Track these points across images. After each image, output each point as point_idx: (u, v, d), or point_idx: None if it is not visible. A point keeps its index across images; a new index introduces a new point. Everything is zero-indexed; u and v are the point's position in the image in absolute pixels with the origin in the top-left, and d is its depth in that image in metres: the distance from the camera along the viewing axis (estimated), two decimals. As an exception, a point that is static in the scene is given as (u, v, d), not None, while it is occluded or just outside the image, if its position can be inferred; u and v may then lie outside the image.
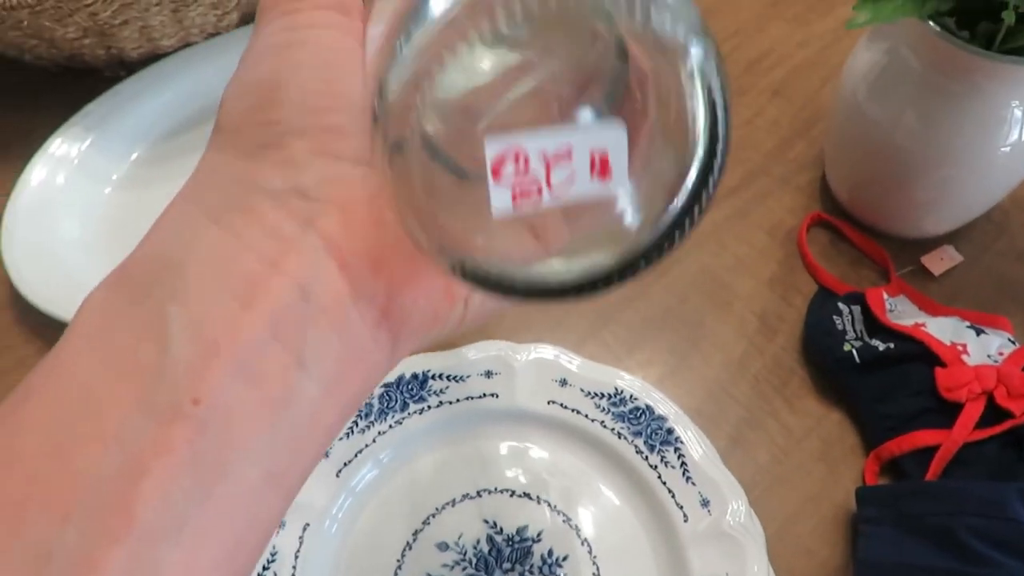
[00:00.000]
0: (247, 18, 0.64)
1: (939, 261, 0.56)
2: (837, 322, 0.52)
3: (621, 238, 0.22)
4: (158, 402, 0.18)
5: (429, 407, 0.48)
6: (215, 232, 0.19)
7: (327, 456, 0.45)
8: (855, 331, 0.51)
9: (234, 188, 0.20)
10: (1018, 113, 0.46)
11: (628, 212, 0.22)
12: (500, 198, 0.20)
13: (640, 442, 0.46)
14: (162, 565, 0.17)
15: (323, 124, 0.21)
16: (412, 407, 0.47)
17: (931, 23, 0.44)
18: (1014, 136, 0.47)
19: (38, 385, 0.19)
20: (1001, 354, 0.49)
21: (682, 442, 0.46)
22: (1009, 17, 0.40)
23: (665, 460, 0.46)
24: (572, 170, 0.21)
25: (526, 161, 0.20)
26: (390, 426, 0.47)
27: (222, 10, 0.60)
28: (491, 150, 0.20)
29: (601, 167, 0.21)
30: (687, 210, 0.23)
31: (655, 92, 0.21)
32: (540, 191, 0.21)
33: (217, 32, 0.62)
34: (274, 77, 0.21)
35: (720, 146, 0.22)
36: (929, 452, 0.47)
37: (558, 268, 0.22)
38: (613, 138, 0.21)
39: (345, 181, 0.20)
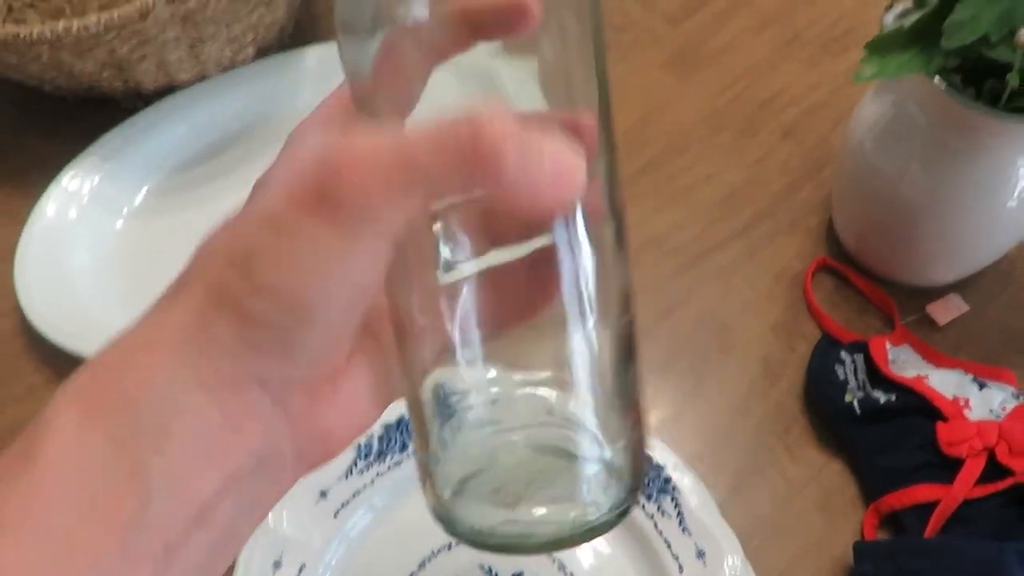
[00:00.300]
0: (263, 51, 0.65)
1: (945, 310, 0.56)
2: (839, 372, 0.51)
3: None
4: (133, 549, 0.20)
5: (428, 448, 0.48)
6: (204, 403, 0.20)
7: (324, 496, 0.45)
8: (857, 381, 0.51)
9: (231, 368, 0.21)
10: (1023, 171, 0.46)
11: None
12: None
13: (637, 489, 0.46)
14: None
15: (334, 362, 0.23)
16: (400, 456, 0.47)
17: (937, 79, 0.44)
18: (1020, 191, 0.47)
19: (15, 522, 0.19)
20: (1004, 409, 0.48)
21: (679, 491, 0.46)
22: (1014, 80, 0.40)
23: (662, 509, 0.46)
24: None
25: None
26: (388, 467, 0.47)
27: (239, 45, 0.61)
28: None
29: None
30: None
31: None
32: None
33: (233, 65, 0.63)
34: (304, 299, 0.20)
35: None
36: (929, 507, 0.46)
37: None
38: None
39: (329, 376, 0.23)
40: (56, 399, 0.20)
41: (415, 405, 0.24)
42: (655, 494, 0.46)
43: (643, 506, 0.46)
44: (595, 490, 0.24)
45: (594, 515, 0.24)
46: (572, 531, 0.23)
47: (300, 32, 0.70)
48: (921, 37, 0.43)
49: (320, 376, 0.22)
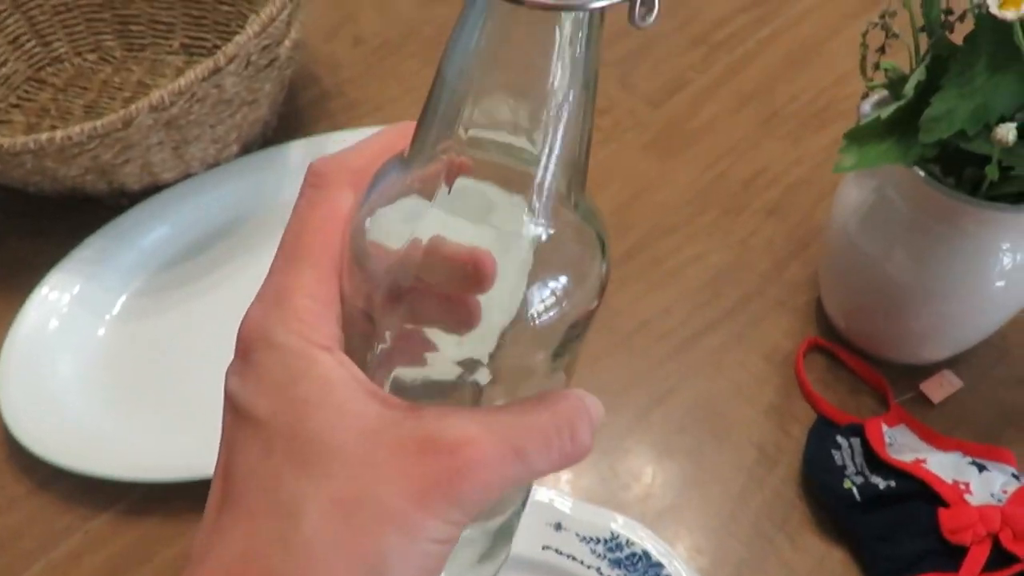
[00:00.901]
0: (247, 147, 0.66)
1: (938, 388, 0.56)
2: (836, 456, 0.51)
3: None
4: None
5: (421, 554, 0.47)
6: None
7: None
8: (855, 465, 0.50)
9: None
10: (1009, 254, 0.46)
11: None
12: None
13: (637, 590, 0.45)
14: None
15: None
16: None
17: (917, 169, 0.45)
18: (1007, 272, 0.47)
19: None
20: (1005, 492, 0.48)
21: (680, 591, 0.45)
22: (992, 173, 0.40)
23: (663, 610, 0.45)
24: None
25: None
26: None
27: (223, 144, 0.61)
28: None
29: None
30: None
31: None
32: None
33: (217, 163, 0.63)
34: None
35: None
36: (935, 598, 0.45)
37: None
38: None
39: None
40: None
41: None
42: (656, 595, 0.45)
43: (644, 608, 0.45)
44: None
45: None
46: None
47: (284, 125, 0.71)
48: (898, 127, 0.44)
49: None
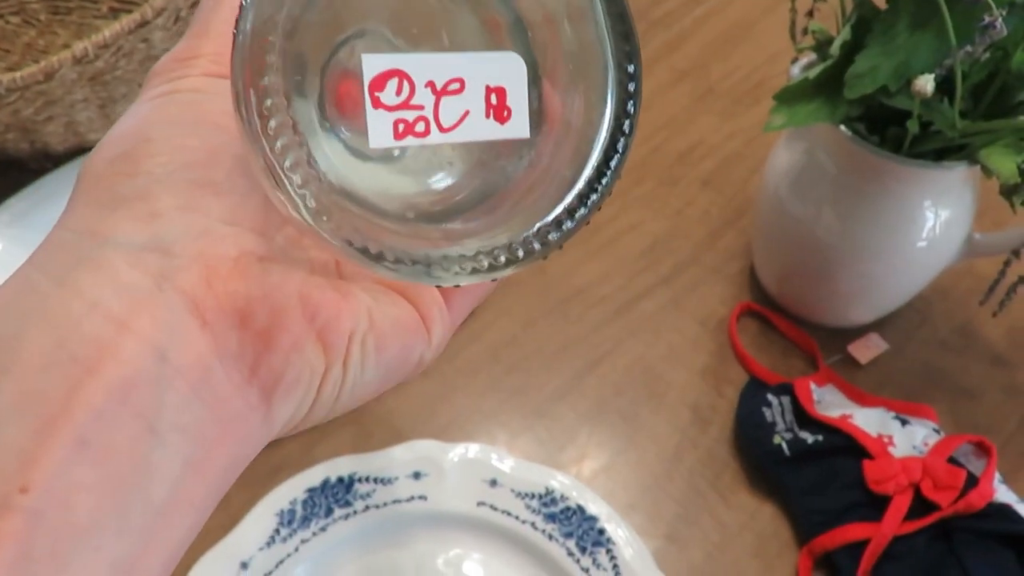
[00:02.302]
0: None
1: (865, 349, 0.57)
2: (767, 414, 0.52)
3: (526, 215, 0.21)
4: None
5: (355, 512, 0.46)
6: (57, 295, 0.18)
7: (246, 568, 0.43)
8: (785, 422, 0.52)
9: (84, 244, 0.18)
10: (931, 212, 0.48)
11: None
12: (379, 128, 0.18)
13: (571, 543, 0.46)
14: None
15: (194, 178, 0.19)
16: (337, 512, 0.46)
17: (843, 128, 0.46)
18: (929, 232, 0.49)
19: None
20: (926, 445, 0.49)
21: (614, 543, 0.45)
22: (913, 126, 0.41)
23: (597, 562, 0.45)
24: (465, 106, 0.19)
25: (411, 87, 0.18)
26: (314, 533, 0.45)
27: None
28: (369, 70, 0.18)
29: (498, 106, 0.19)
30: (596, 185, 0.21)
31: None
32: (427, 126, 0.19)
33: (148, 125, 0.61)
34: (145, 129, 0.20)
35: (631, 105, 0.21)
36: (861, 546, 0.47)
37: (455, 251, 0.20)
38: (512, 72, 0.19)
39: (212, 237, 0.19)
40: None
41: None
42: (589, 547, 0.45)
43: (578, 559, 0.45)
44: None
45: None
46: None
47: (218, 91, 0.69)
48: (825, 87, 0.45)
49: (206, 240, 0.20)
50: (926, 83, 0.38)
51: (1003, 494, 0.47)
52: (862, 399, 0.54)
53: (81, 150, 0.60)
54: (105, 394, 0.17)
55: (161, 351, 0.18)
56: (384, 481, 0.47)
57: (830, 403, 0.53)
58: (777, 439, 0.50)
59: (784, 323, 0.58)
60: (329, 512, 0.46)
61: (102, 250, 0.18)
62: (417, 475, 0.47)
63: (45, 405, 0.17)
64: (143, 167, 0.19)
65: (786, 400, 0.52)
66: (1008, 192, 0.45)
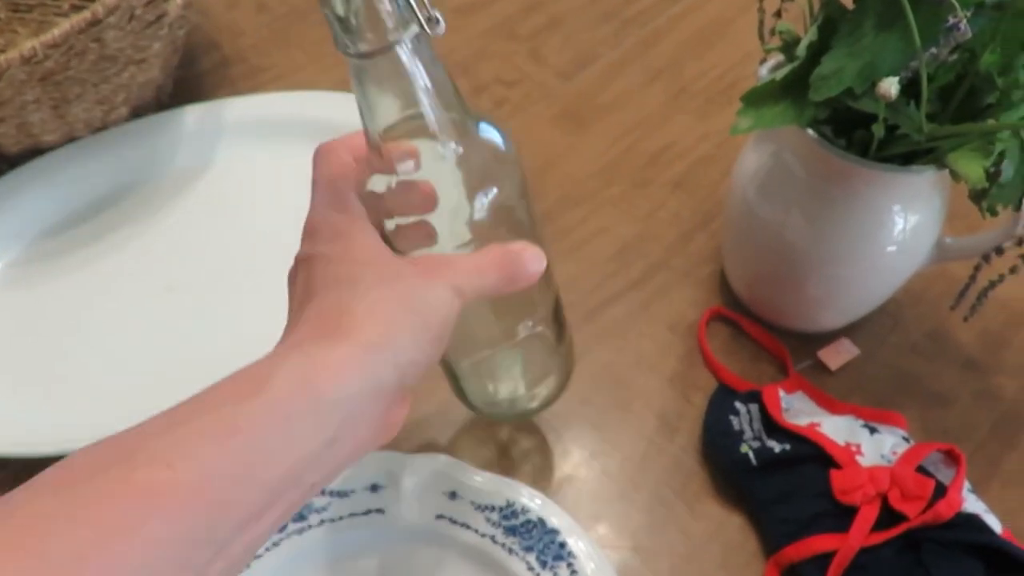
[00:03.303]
0: (140, 111, 0.63)
1: (836, 355, 0.56)
2: (734, 422, 0.51)
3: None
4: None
5: (310, 526, 0.45)
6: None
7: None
8: (752, 431, 0.51)
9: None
10: (900, 216, 0.47)
11: None
12: None
13: (532, 558, 0.44)
14: None
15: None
16: (291, 527, 0.45)
17: (810, 131, 0.45)
18: (899, 236, 0.48)
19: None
20: (895, 454, 0.48)
21: (575, 556, 0.44)
22: (878, 130, 0.40)
23: (558, 576, 0.44)
24: None
25: None
26: (267, 549, 0.44)
27: (109, 105, 0.58)
28: None
29: None
30: None
31: None
32: None
33: (105, 126, 0.60)
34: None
35: None
36: (827, 558, 0.46)
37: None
38: None
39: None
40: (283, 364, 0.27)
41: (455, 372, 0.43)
42: (550, 560, 0.44)
43: (538, 574, 0.44)
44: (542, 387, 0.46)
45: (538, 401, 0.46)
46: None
47: (181, 91, 0.68)
48: (792, 89, 0.44)
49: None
50: (890, 86, 0.37)
51: (972, 504, 0.47)
52: (832, 406, 0.53)
53: (35, 151, 0.58)
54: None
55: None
56: (341, 494, 0.46)
57: (799, 410, 0.52)
58: (744, 448, 0.49)
59: (754, 328, 0.57)
60: (283, 527, 0.44)
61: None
62: (375, 487, 0.46)
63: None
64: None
65: (754, 408, 0.52)
66: (977, 197, 0.44)
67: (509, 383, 0.46)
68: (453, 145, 0.32)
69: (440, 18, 0.30)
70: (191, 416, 0.25)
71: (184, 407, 0.26)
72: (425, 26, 0.29)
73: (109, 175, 0.59)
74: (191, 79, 0.70)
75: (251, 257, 0.58)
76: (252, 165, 0.63)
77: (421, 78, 0.30)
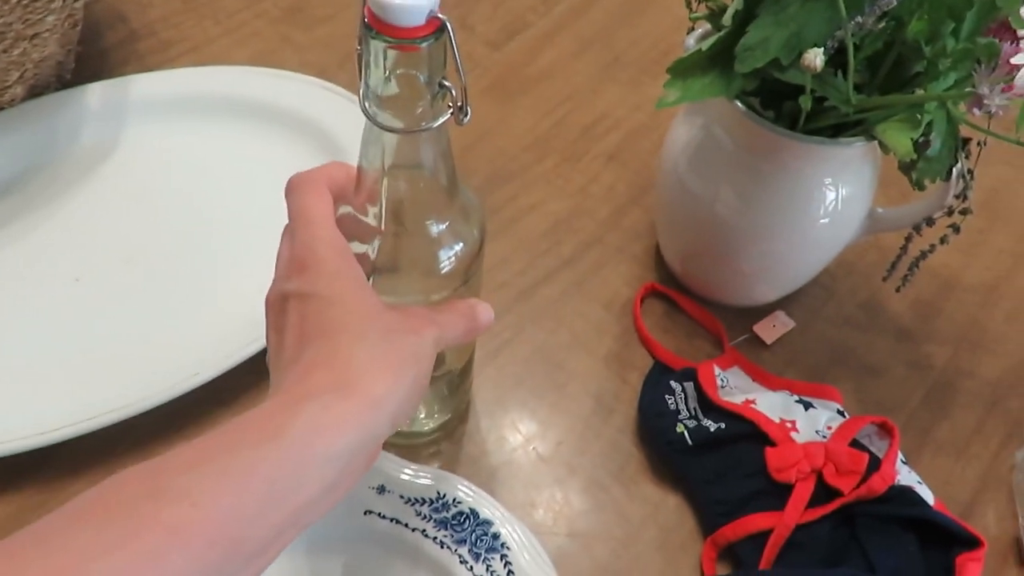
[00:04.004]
0: (39, 91, 0.59)
1: (771, 328, 0.56)
2: (670, 401, 0.50)
3: None
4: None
5: (231, 528, 0.43)
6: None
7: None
8: (688, 410, 0.50)
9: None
10: (831, 188, 0.46)
11: None
12: None
13: (464, 550, 0.43)
14: None
15: None
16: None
17: (738, 103, 0.43)
18: (830, 209, 0.47)
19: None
20: (829, 428, 0.48)
21: (508, 548, 0.43)
22: (805, 103, 0.39)
23: (491, 569, 0.43)
24: None
25: None
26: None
27: (1, 85, 0.54)
28: None
29: None
30: None
31: None
32: None
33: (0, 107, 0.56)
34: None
35: None
36: (764, 536, 0.45)
37: None
38: None
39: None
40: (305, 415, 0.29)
41: None
42: (483, 553, 0.43)
43: (471, 567, 0.43)
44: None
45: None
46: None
47: (85, 68, 0.64)
48: (719, 60, 0.43)
49: None
50: (815, 57, 0.36)
51: (905, 476, 0.47)
52: (767, 381, 0.53)
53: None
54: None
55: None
56: (263, 492, 0.44)
57: (735, 387, 0.52)
58: (680, 428, 0.49)
59: (690, 304, 0.56)
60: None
61: None
62: (299, 484, 0.44)
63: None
64: None
65: (689, 386, 0.51)
66: (906, 168, 0.44)
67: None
68: (436, 219, 0.36)
69: (469, 110, 0.32)
70: (215, 455, 0.27)
71: (208, 442, 0.28)
72: (455, 115, 0.32)
73: (5, 159, 0.55)
74: (95, 55, 0.65)
75: (163, 243, 0.55)
76: (163, 145, 0.59)
77: (435, 155, 0.34)
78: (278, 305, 0.33)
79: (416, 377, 0.32)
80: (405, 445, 0.49)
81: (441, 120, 0.32)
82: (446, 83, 0.31)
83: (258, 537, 0.27)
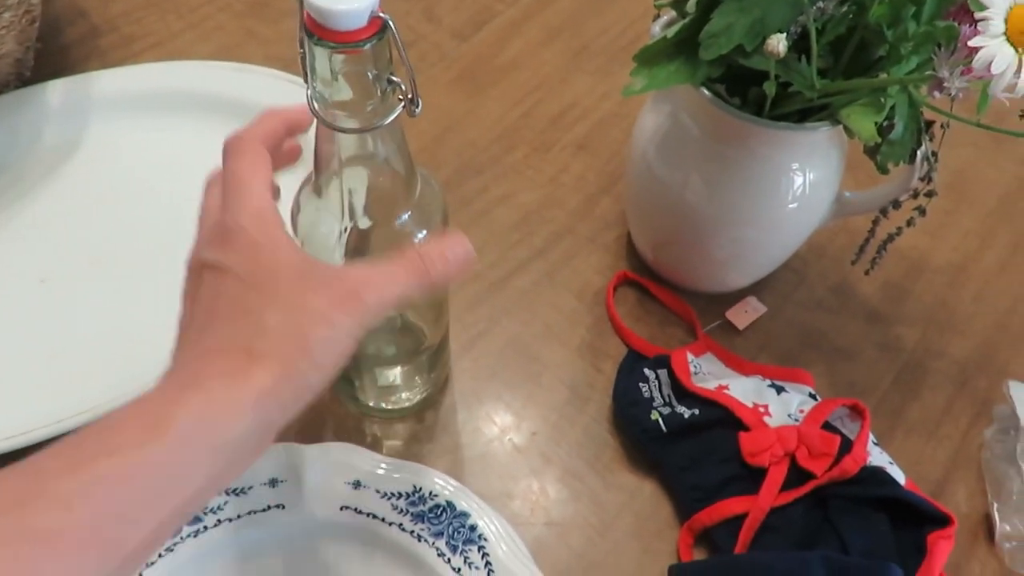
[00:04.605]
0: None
1: (743, 314, 0.56)
2: (644, 389, 0.50)
3: None
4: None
5: (206, 527, 0.42)
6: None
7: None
8: (663, 397, 0.50)
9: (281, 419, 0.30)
10: (799, 173, 0.46)
11: None
12: None
13: (442, 543, 0.43)
14: None
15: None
16: (185, 530, 0.42)
17: (704, 90, 0.43)
18: (798, 194, 0.47)
19: None
20: (802, 412, 0.48)
21: (486, 539, 0.43)
22: (770, 89, 0.39)
23: (469, 561, 0.43)
24: None
25: None
26: (160, 555, 0.41)
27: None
28: None
29: None
30: None
31: None
32: None
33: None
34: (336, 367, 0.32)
35: None
36: (739, 521, 0.46)
37: None
38: None
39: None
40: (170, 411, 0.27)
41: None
42: (460, 545, 0.43)
43: (448, 559, 0.43)
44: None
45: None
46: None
47: (44, 65, 0.63)
48: (685, 47, 0.43)
49: None
50: (778, 43, 0.36)
51: (876, 457, 0.47)
52: (740, 366, 0.53)
53: None
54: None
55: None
56: (238, 492, 0.43)
57: (708, 373, 0.52)
58: (655, 415, 0.49)
59: (662, 291, 0.57)
60: (176, 531, 0.42)
61: None
62: (273, 482, 0.44)
63: None
64: None
65: (663, 373, 0.51)
66: (872, 151, 0.44)
67: (396, 390, 0.50)
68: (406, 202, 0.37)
69: (420, 101, 0.32)
70: (95, 456, 0.26)
71: (84, 443, 0.26)
72: (407, 107, 0.32)
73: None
74: (55, 51, 0.64)
75: (130, 242, 0.54)
76: (127, 142, 0.58)
77: (390, 149, 0.34)
78: (195, 271, 0.32)
79: (319, 366, 0.30)
80: (387, 418, 0.51)
81: (393, 116, 0.32)
82: (394, 78, 0.31)
83: (139, 537, 0.26)
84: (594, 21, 0.73)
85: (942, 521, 0.44)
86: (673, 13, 0.48)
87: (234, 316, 0.30)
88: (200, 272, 0.32)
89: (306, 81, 0.31)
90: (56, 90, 0.58)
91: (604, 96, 0.68)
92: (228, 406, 0.28)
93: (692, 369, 0.51)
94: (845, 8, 0.39)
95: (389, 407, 0.50)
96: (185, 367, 0.29)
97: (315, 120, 0.33)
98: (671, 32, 0.43)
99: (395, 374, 0.49)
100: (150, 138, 0.58)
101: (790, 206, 0.48)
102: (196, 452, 0.27)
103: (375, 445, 0.49)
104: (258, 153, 0.33)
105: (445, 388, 0.52)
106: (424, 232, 0.37)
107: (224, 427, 0.27)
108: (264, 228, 0.31)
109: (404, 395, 0.50)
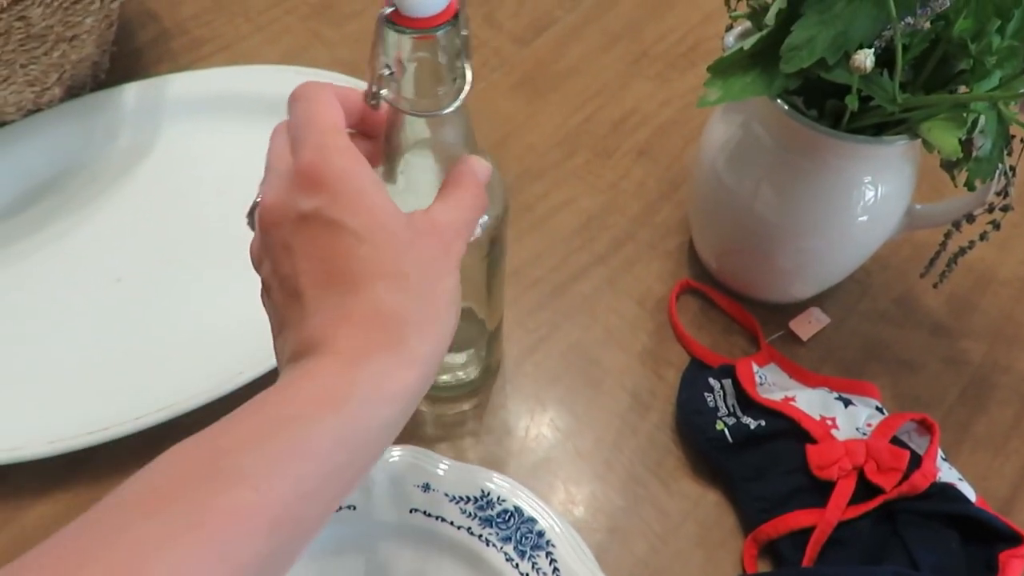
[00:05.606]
0: (76, 91, 0.59)
1: (807, 325, 0.56)
2: (708, 399, 0.50)
3: None
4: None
5: (279, 526, 0.43)
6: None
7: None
8: (727, 407, 0.50)
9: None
10: (871, 186, 0.46)
11: None
12: None
13: (510, 548, 0.44)
14: None
15: None
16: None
17: (780, 101, 0.43)
18: (869, 207, 0.47)
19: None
20: (869, 426, 0.48)
21: (553, 545, 0.44)
22: (852, 102, 0.39)
23: (536, 566, 0.43)
24: None
25: None
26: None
27: (40, 87, 0.54)
28: None
29: None
30: None
31: None
32: None
33: (38, 108, 0.56)
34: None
35: None
36: (805, 533, 0.46)
37: None
38: None
39: None
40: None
41: None
42: (528, 551, 0.43)
43: (516, 564, 0.43)
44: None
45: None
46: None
47: (119, 67, 0.64)
48: (761, 59, 0.43)
49: None
50: (865, 58, 0.36)
51: (946, 473, 0.47)
52: (805, 378, 0.53)
53: (-36, 137, 0.54)
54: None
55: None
56: (309, 491, 0.44)
57: (772, 384, 0.52)
58: (720, 425, 0.49)
59: (724, 300, 0.57)
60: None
61: None
62: (344, 483, 0.45)
63: None
64: None
65: (728, 383, 0.51)
66: (950, 165, 0.44)
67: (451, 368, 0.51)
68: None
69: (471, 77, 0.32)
70: (273, 430, 0.25)
71: (261, 414, 0.26)
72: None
73: (44, 161, 0.56)
74: (128, 54, 0.66)
75: (202, 242, 0.55)
76: (197, 145, 0.60)
77: (457, 132, 0.35)
78: (288, 225, 0.29)
79: (454, 324, 0.30)
80: (443, 398, 0.52)
81: (461, 98, 0.32)
82: (462, 64, 0.32)
83: (316, 515, 0.26)
84: (653, 27, 0.73)
85: (1014, 540, 0.44)
86: (746, 24, 0.47)
87: (362, 278, 0.28)
88: (297, 225, 0.29)
89: (376, 68, 0.32)
90: (131, 93, 0.60)
91: (664, 102, 0.68)
92: (398, 381, 0.27)
93: (757, 379, 0.51)
94: (930, 24, 0.39)
95: (447, 379, 0.51)
96: (339, 342, 0.28)
97: (386, 108, 0.34)
98: (747, 44, 0.43)
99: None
100: (220, 140, 0.60)
101: (860, 219, 0.48)
102: (371, 429, 0.26)
103: (440, 448, 0.49)
104: (333, 101, 0.31)
105: (497, 371, 0.53)
106: (485, 217, 0.37)
107: (396, 403, 0.27)
108: (360, 167, 0.29)
109: (459, 374, 0.51)
